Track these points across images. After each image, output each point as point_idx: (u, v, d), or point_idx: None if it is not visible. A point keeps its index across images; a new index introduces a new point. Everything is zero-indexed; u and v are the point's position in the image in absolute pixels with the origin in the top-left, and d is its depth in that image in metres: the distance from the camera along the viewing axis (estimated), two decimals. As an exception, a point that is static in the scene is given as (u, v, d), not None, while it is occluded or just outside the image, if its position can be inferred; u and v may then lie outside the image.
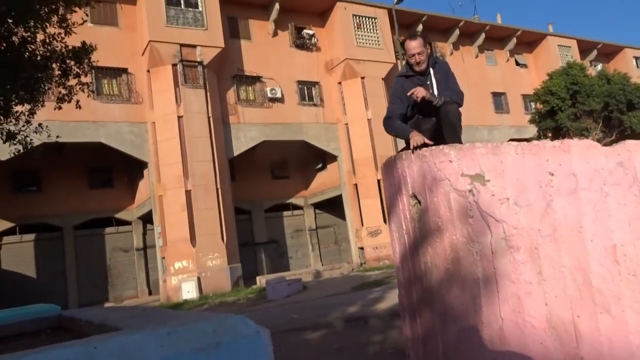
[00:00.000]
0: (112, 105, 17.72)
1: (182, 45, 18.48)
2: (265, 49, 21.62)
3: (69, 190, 18.35)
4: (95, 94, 15.66)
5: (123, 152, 17.81)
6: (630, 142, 3.01)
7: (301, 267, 22.76)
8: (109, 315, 4.20)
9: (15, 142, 5.63)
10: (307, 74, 22.56)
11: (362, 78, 22.80)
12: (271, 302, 11.57)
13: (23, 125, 5.88)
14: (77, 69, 6.26)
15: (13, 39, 4.55)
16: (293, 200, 24.62)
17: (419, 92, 3.67)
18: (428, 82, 4.05)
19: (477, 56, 29.03)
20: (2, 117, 5.12)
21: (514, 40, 29.82)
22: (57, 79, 6.01)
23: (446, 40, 27.88)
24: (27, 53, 4.72)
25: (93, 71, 7.48)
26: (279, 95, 21.34)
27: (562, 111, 22.96)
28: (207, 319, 2.42)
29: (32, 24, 4.72)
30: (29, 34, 4.73)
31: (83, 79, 6.61)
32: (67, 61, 5.91)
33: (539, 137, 23.43)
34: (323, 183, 24.15)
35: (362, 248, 22.20)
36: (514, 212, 2.78)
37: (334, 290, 11.98)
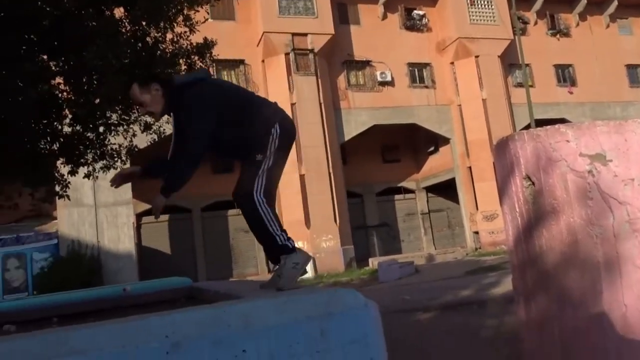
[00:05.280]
0: (232, 96, 18.83)
1: (293, 34, 19.07)
2: (375, 32, 21.50)
3: (197, 175, 19.90)
4: (217, 85, 16.79)
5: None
6: None
7: (413, 251, 22.59)
8: (233, 287, 4.60)
9: (151, 132, 6.27)
10: (417, 55, 22.06)
11: (476, 57, 21.76)
12: (383, 284, 11.70)
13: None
14: (200, 64, 6.73)
15: (147, 39, 5.09)
16: (404, 184, 24.40)
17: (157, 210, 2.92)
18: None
19: (608, 26, 26.18)
20: (140, 110, 5.76)
21: (655, 3, 26.42)
22: (184, 73, 6.52)
23: (571, 11, 25.50)
24: (158, 52, 5.24)
25: (214, 64, 8.01)
26: (389, 78, 21.16)
27: None
28: (319, 291, 2.60)
29: (162, 25, 5.24)
30: (159, 34, 5.25)
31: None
32: (192, 57, 6.38)
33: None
34: (435, 166, 23.61)
35: (477, 232, 21.43)
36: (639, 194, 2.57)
37: (447, 274, 11.78)
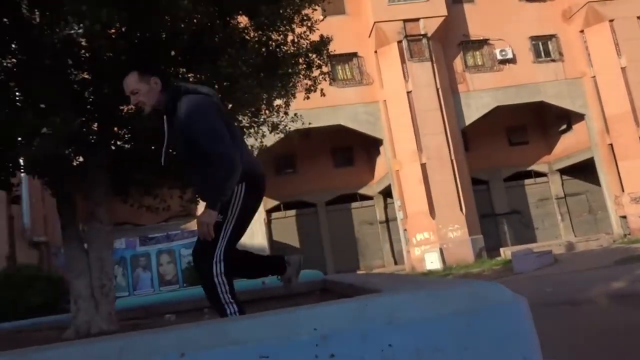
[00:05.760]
0: (347, 89, 19.06)
1: (405, 21, 18.71)
2: (491, 8, 20.25)
3: (318, 170, 20.56)
4: (332, 80, 17.13)
5: (360, 132, 19.09)
6: None
7: (549, 239, 21.00)
8: (368, 279, 4.63)
9: (277, 131, 6.55)
10: (540, 27, 20.37)
11: (611, 21, 19.49)
12: (519, 275, 11.05)
13: (281, 117, 6.73)
14: (318, 61, 6.83)
15: (270, 43, 5.33)
16: (535, 167, 22.76)
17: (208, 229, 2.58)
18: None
19: None
20: (268, 112, 6.04)
21: None
22: (303, 72, 6.67)
23: None
24: (280, 54, 5.46)
25: (329, 60, 8.07)
26: (509, 55, 19.84)
27: None
28: (460, 284, 2.50)
29: (283, 28, 5.44)
30: (281, 36, 5.47)
31: (324, 69, 7.20)
32: (310, 55, 6.50)
33: None
34: (569, 146, 21.66)
35: (624, 217, 19.29)
36: None
37: (592, 264, 10.78)
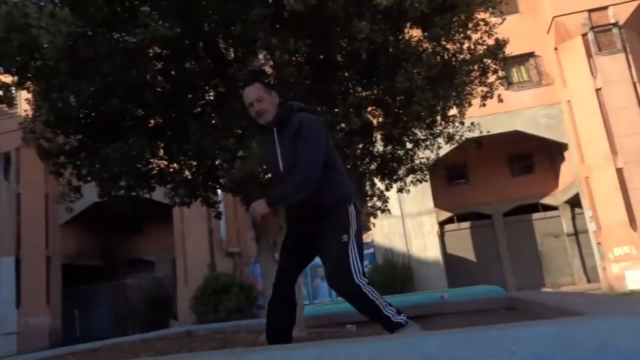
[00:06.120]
0: (524, 92, 17.77)
1: (590, 11, 16.80)
2: None
3: (493, 179, 19.47)
4: (507, 84, 16.11)
5: (540, 137, 17.60)
6: None
7: None
8: (563, 299, 4.20)
9: (454, 142, 6.40)
10: None
11: None
12: None
13: (457, 127, 6.57)
14: (494, 66, 6.55)
15: (445, 53, 5.26)
16: None
17: (252, 214, 2.83)
18: (273, 148, 3.01)
19: None
20: (443, 122, 5.94)
21: None
22: (478, 79, 6.44)
23: None
24: (456, 63, 5.34)
25: (504, 63, 7.64)
26: None
27: None
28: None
29: (457, 37, 5.33)
30: (456, 45, 5.35)
31: (500, 74, 6.86)
32: (485, 60, 6.26)
33: None
34: None
35: None
36: None
37: None
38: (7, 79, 4.99)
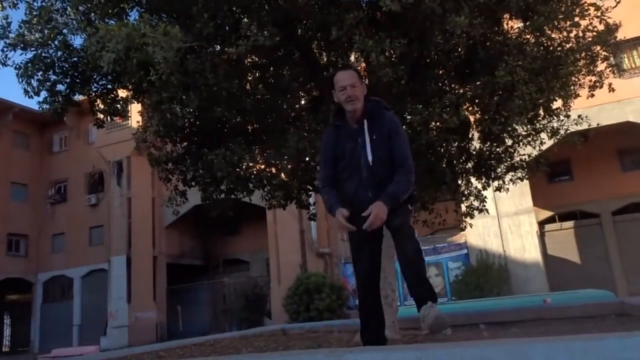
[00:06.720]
0: (636, 79, 16.26)
1: None
2: None
3: (600, 175, 18.01)
4: (617, 71, 14.76)
5: (663, 127, 16.00)
6: None
7: None
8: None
9: (558, 137, 6.01)
10: None
11: None
12: None
13: (562, 120, 6.19)
14: (604, 52, 6.07)
15: (549, 43, 4.94)
16: None
17: (374, 221, 2.70)
18: (359, 139, 2.96)
19: None
20: (546, 116, 5.61)
21: None
22: (585, 67, 6.01)
23: None
24: (562, 52, 5.01)
25: (616, 50, 7.04)
26: None
27: None
28: None
29: (562, 25, 4.99)
30: (563, 34, 5.02)
31: (611, 61, 6.35)
32: (593, 47, 5.83)
33: None
34: None
35: None
36: None
37: None
38: (124, 93, 5.44)
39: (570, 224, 18.46)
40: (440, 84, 4.71)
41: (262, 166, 5.99)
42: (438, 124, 4.89)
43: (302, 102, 5.88)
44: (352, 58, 5.42)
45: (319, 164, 3.57)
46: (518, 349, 2.14)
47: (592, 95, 6.30)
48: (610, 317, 5.31)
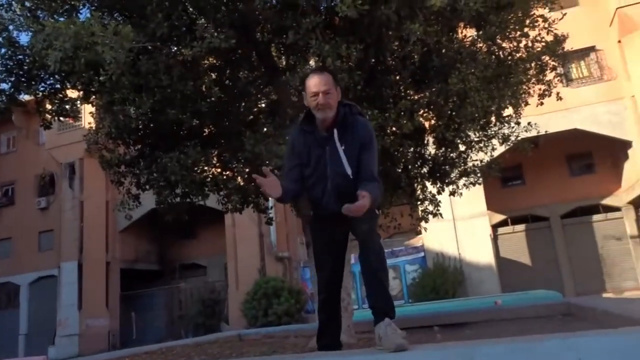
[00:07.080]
0: (583, 89, 17.02)
1: (655, 0, 15.90)
2: None
3: (550, 180, 18.73)
4: (565, 81, 15.43)
5: (601, 135, 16.79)
6: None
7: None
8: (628, 306, 3.96)
9: (509, 143, 6.20)
10: None
11: None
12: None
13: (512, 127, 6.37)
14: (552, 62, 6.31)
15: (500, 52, 5.11)
16: None
17: (358, 209, 2.49)
18: (327, 148, 2.79)
19: None
20: (498, 123, 5.77)
21: None
22: (535, 77, 6.23)
23: None
24: (512, 61, 5.18)
25: (563, 60, 7.35)
26: None
27: None
28: None
29: (512, 34, 5.17)
30: (513, 43, 5.19)
31: (559, 70, 6.61)
32: (542, 57, 6.04)
33: None
34: None
35: None
36: None
37: None
38: (73, 93, 5.25)
39: (522, 227, 19.11)
40: (395, 90, 4.77)
41: (218, 170, 5.91)
42: (394, 129, 4.97)
43: (260, 105, 5.84)
44: (312, 62, 5.42)
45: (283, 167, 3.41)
46: (464, 352, 2.18)
47: (542, 104, 6.52)
48: (557, 317, 5.51)
